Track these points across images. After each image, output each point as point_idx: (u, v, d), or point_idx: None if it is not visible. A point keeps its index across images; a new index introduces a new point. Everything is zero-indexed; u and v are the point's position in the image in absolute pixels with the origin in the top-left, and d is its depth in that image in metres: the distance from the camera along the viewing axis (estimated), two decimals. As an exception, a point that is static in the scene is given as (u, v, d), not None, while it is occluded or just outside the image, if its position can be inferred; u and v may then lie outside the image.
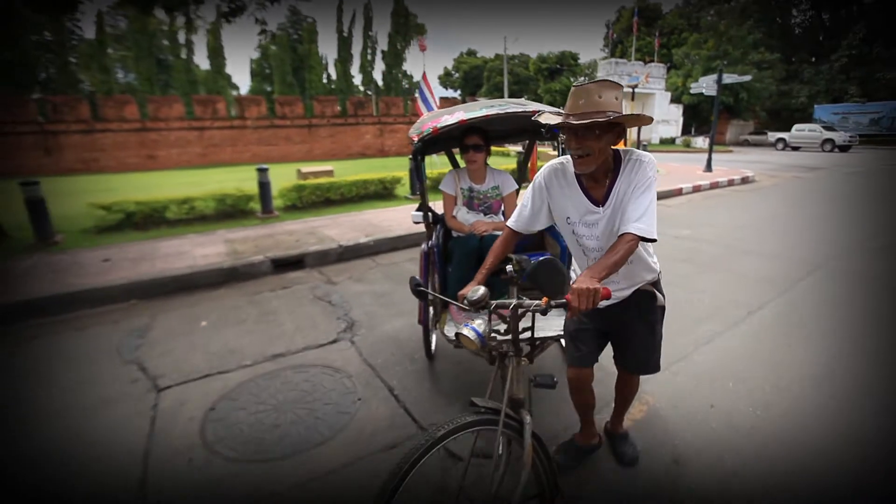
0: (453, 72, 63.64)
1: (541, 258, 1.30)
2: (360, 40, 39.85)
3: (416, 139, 2.48)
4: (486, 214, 2.83)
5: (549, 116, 1.51)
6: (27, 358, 3.12)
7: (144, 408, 2.49)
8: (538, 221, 1.70)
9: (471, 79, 59.93)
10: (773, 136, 28.10)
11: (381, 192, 8.82)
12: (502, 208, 2.90)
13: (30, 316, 3.72)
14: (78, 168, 19.52)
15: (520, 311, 1.36)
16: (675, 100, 34.47)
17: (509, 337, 1.40)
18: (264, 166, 7.33)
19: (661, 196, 9.45)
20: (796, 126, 26.40)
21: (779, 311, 3.69)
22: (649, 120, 1.48)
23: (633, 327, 1.77)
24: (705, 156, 14.16)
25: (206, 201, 7.09)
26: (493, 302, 1.40)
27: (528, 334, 1.47)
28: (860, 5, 33.67)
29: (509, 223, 1.75)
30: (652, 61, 34.42)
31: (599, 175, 1.55)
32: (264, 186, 7.15)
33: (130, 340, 3.31)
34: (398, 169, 10.68)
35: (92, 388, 2.69)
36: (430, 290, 1.52)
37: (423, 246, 2.68)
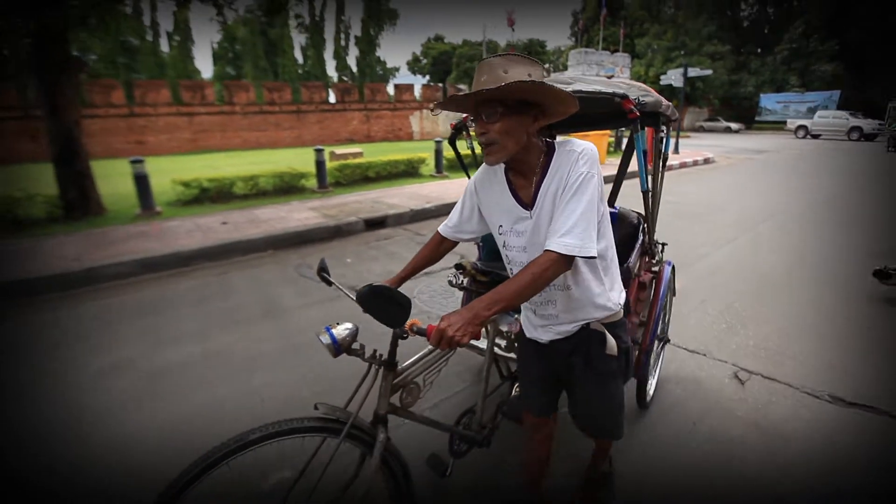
0: (422, 58, 63.94)
1: (373, 286, 1.19)
2: (333, 25, 39.71)
3: (451, 127, 2.28)
4: None
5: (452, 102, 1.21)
6: (237, 281, 4.25)
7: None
8: (467, 229, 1.46)
9: (439, 64, 60.53)
10: (793, 122, 27.07)
11: (409, 171, 10.04)
12: None
13: (207, 260, 4.81)
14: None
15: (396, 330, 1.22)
16: (638, 88, 36.78)
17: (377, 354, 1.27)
18: (320, 147, 8.42)
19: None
20: (819, 113, 25.76)
21: (747, 239, 5.39)
22: (568, 98, 1.14)
23: (578, 374, 1.38)
24: (672, 141, 16.13)
25: (267, 178, 8.10)
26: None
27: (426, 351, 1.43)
28: (800, 1, 36.98)
29: (440, 227, 1.51)
30: (617, 51, 36.52)
31: (527, 170, 1.26)
32: (321, 165, 8.24)
33: (302, 270, 4.50)
34: (422, 151, 11.84)
35: (306, 295, 3.89)
36: (330, 278, 1.40)
37: None
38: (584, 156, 1.18)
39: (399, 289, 1.30)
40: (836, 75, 31.22)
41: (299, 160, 11.67)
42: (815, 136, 25.39)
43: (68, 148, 6.23)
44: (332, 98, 25.22)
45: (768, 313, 3.49)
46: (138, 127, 20.69)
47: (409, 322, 1.17)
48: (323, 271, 1.40)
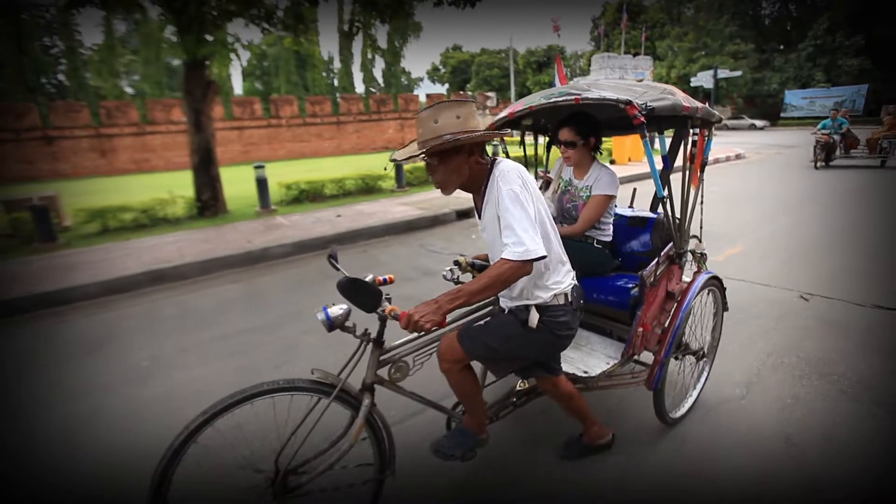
0: (441, 67, 65.44)
1: (349, 278, 1.33)
2: (361, 38, 41.31)
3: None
4: (567, 217, 2.36)
5: (404, 152, 1.51)
6: (382, 256, 5.34)
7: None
8: None
9: (458, 72, 61.89)
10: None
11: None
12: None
13: (343, 243, 5.94)
14: (131, 168, 21.11)
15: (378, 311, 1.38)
16: (660, 89, 37.38)
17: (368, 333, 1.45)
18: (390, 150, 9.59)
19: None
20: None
21: (791, 217, 6.31)
22: (487, 136, 1.41)
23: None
24: None
25: (353, 180, 9.29)
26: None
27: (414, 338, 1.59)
28: (823, -2, 37.17)
29: None
30: (639, 54, 37.23)
31: (476, 189, 1.53)
32: (399, 168, 9.40)
33: (427, 247, 5.58)
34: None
35: (442, 263, 4.95)
36: (338, 266, 1.57)
37: None
38: (501, 177, 1.41)
39: None
40: (864, 69, 31.30)
41: (349, 166, 12.88)
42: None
43: (206, 157, 7.49)
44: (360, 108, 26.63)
45: (820, 262, 4.46)
46: (195, 141, 22.40)
47: (388, 308, 1.36)
48: (332, 258, 1.60)
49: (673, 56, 38.53)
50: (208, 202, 7.60)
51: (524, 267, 1.34)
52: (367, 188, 9.49)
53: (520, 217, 1.34)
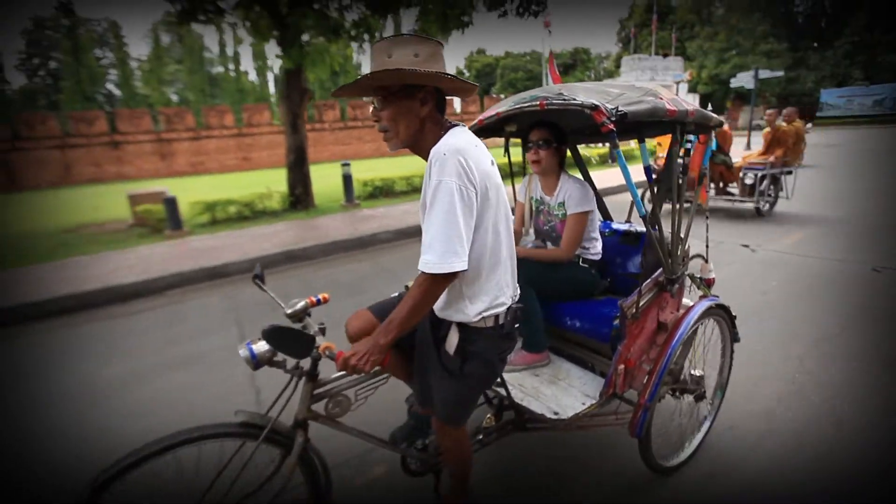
0: (465, 70, 66.25)
1: (274, 325, 1.18)
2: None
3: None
4: (546, 239, 2.19)
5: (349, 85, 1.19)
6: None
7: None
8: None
9: (483, 76, 62.58)
10: None
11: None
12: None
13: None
14: (187, 170, 22.44)
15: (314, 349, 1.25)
16: (690, 90, 37.30)
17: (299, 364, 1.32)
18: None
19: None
20: None
21: (852, 201, 6.69)
22: (438, 77, 1.14)
23: (430, 357, 1.40)
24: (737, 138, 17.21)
25: (421, 177, 10.02)
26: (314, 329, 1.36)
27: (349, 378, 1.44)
28: (860, -7, 36.49)
29: None
30: (668, 55, 37.23)
31: (424, 155, 1.24)
32: (463, 165, 10.12)
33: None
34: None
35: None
36: (263, 286, 1.47)
37: None
38: (437, 162, 1.11)
39: None
40: (905, 66, 30.69)
41: (395, 167, 13.64)
42: None
43: (300, 156, 8.33)
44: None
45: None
46: (245, 145, 23.66)
47: (323, 345, 1.24)
48: (257, 278, 1.51)
49: (703, 56, 38.38)
50: (300, 197, 8.43)
51: (443, 281, 1.14)
52: (433, 185, 10.22)
53: (440, 220, 1.10)
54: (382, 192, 9.57)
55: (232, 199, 7.95)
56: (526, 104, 1.67)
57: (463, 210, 1.11)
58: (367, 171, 14.62)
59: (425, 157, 1.21)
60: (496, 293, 1.28)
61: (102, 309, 4.36)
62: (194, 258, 5.49)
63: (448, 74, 1.17)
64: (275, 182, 9.20)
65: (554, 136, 2.05)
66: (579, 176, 2.32)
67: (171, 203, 6.94)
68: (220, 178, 18.91)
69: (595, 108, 1.43)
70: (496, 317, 1.29)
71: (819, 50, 37.31)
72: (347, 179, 8.51)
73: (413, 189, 9.93)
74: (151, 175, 21.57)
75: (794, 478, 1.90)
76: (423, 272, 1.13)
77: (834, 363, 2.72)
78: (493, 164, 1.26)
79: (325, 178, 12.27)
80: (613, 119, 1.42)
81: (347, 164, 8.52)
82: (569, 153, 2.36)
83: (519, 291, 1.41)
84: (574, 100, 1.50)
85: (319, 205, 8.81)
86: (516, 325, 1.35)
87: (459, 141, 1.16)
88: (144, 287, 4.73)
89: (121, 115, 21.44)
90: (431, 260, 1.10)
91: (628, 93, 1.60)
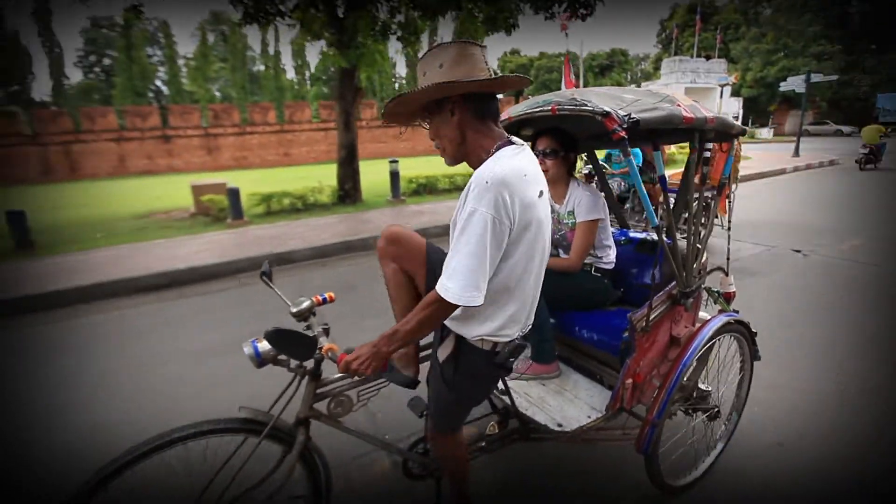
0: (499, 71, 65.87)
1: (277, 328, 1.19)
2: (426, 44, 42.69)
3: None
4: (557, 247, 2.16)
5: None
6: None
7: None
8: None
9: (517, 77, 62.17)
10: None
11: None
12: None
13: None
14: (231, 165, 23.40)
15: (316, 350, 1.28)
16: (734, 93, 36.11)
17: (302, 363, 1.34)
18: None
19: (769, 174, 12.10)
20: None
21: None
22: (441, 88, 1.09)
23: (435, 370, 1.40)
24: (777, 145, 16.63)
25: (464, 176, 10.24)
26: (316, 329, 1.37)
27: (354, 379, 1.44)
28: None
29: None
30: (711, 57, 36.17)
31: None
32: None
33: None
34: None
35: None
36: (271, 284, 1.50)
37: None
38: (476, 188, 1.06)
39: None
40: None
41: (430, 166, 13.81)
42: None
43: (350, 152, 8.68)
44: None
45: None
46: (286, 141, 24.49)
47: (325, 347, 1.27)
48: (265, 275, 1.51)
49: (748, 58, 37.08)
50: (349, 191, 8.79)
51: (456, 308, 1.12)
52: (474, 183, 10.42)
53: (468, 251, 1.06)
54: (426, 188, 9.84)
55: (287, 191, 8.37)
56: (538, 108, 1.66)
57: (492, 243, 1.07)
58: (404, 168, 14.98)
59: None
60: (505, 323, 1.24)
61: (188, 287, 4.80)
62: (259, 245, 5.87)
63: (450, 82, 1.10)
64: (318, 177, 9.61)
65: (561, 145, 2.02)
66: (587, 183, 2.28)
67: (234, 193, 7.39)
68: (262, 172, 19.69)
69: (606, 114, 1.40)
70: (494, 343, 1.27)
71: (877, 53, 35.45)
72: (395, 176, 8.81)
73: (455, 187, 10.16)
74: (199, 168, 22.61)
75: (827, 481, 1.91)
76: (437, 294, 1.10)
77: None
78: (541, 195, 1.18)
79: (365, 175, 12.61)
80: (625, 126, 1.39)
81: (396, 162, 8.82)
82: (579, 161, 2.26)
83: (531, 326, 1.35)
84: (585, 105, 1.46)
85: (367, 200, 9.15)
86: (511, 360, 1.31)
87: (506, 169, 1.08)
88: (218, 269, 5.13)
89: (173, 111, 22.59)
90: (452, 288, 1.07)
91: (644, 99, 1.56)
